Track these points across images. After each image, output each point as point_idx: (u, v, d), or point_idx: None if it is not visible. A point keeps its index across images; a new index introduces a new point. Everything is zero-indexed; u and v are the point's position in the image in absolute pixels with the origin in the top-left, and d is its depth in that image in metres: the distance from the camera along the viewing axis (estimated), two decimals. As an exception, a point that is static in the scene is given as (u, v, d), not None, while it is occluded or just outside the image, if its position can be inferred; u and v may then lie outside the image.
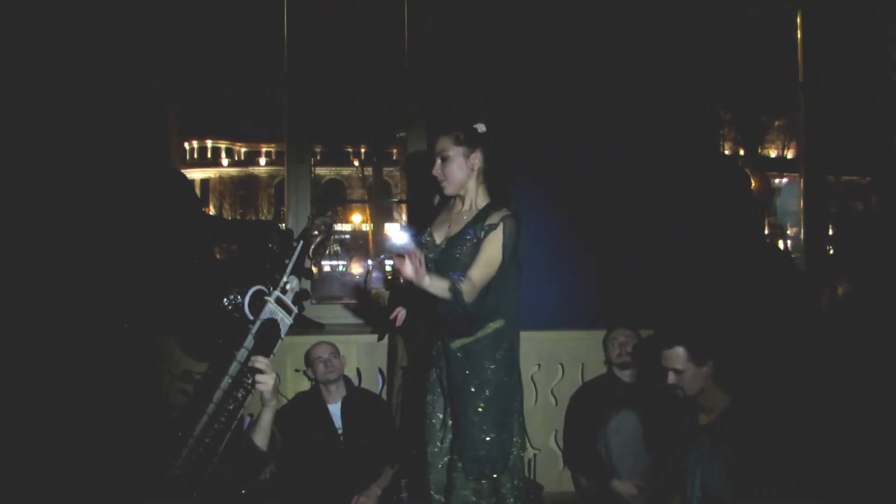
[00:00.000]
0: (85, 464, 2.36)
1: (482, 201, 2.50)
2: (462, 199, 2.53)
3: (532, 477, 3.41)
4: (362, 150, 31.45)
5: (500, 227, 2.38)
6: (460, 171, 2.47)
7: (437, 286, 2.27)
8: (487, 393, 2.40)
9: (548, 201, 3.56)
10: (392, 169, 28.85)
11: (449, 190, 2.51)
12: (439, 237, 2.51)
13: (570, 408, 3.41)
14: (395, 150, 28.02)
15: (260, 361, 1.91)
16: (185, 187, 3.61)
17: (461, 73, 3.69)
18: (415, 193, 3.92)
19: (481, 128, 2.51)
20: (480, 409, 2.39)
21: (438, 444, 2.52)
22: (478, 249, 2.39)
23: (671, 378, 2.58)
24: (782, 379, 2.82)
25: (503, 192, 2.52)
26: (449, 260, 2.44)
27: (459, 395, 2.42)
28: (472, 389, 2.40)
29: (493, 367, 2.41)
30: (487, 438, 2.39)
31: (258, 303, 1.92)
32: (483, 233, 2.40)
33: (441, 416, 2.53)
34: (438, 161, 2.48)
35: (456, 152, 2.46)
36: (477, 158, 2.48)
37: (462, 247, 2.43)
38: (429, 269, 2.35)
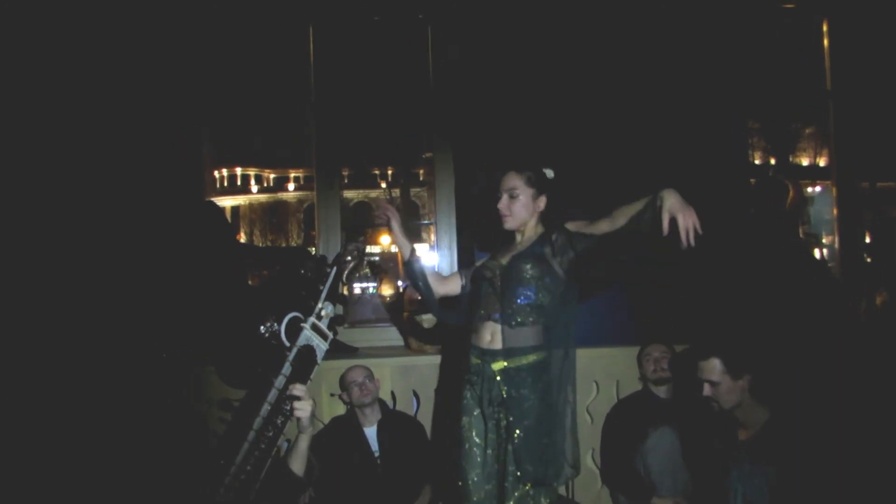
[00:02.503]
0: (128, 493, 2.40)
1: (539, 231, 2.57)
2: (521, 233, 2.59)
3: (570, 496, 3.39)
4: (389, 172, 31.73)
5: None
6: (525, 211, 2.54)
7: (402, 243, 2.55)
8: (526, 423, 2.39)
9: (579, 215, 3.56)
10: (419, 190, 29.02)
11: (510, 225, 2.57)
12: (505, 259, 2.54)
13: (606, 426, 3.38)
14: (421, 171, 28.22)
15: (298, 389, 1.94)
16: (218, 218, 3.68)
17: (485, 95, 3.73)
18: (442, 213, 3.95)
19: (550, 174, 2.58)
20: (517, 439, 2.37)
21: (479, 471, 2.49)
22: (545, 267, 2.44)
23: (706, 390, 2.55)
24: (822, 392, 2.77)
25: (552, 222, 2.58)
26: (517, 272, 2.44)
27: (499, 421, 2.43)
28: (511, 418, 2.39)
29: (533, 397, 2.40)
30: (527, 469, 2.37)
31: (294, 329, 1.95)
32: (551, 247, 2.44)
33: (479, 440, 2.51)
34: (506, 196, 2.54)
35: (525, 192, 2.53)
36: (542, 202, 2.57)
37: (530, 261, 2.44)
38: (490, 286, 2.50)
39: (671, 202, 2.18)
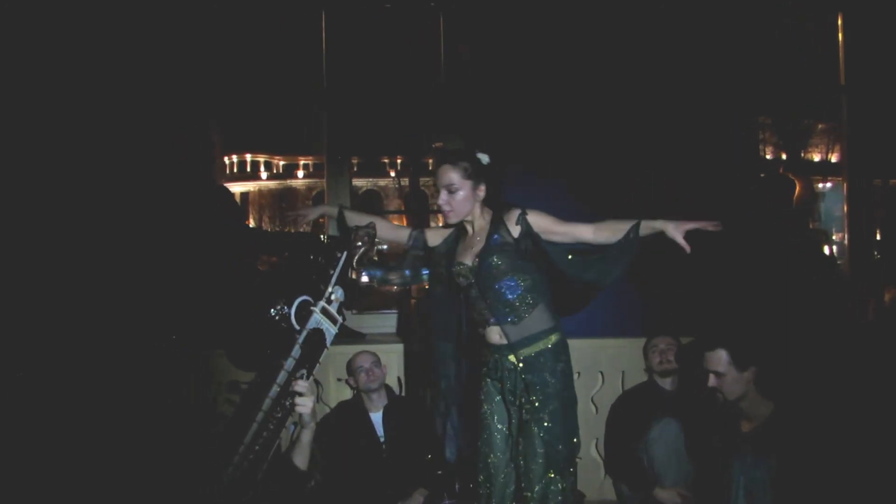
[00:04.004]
0: (135, 473, 2.43)
1: (487, 216, 2.56)
2: (470, 223, 2.59)
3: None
4: (398, 161, 31.65)
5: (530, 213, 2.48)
6: (467, 203, 2.53)
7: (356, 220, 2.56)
8: (552, 406, 2.41)
9: (585, 209, 3.56)
10: (428, 179, 28.89)
11: (453, 219, 2.56)
12: (469, 259, 2.53)
13: (610, 416, 3.40)
14: (430, 161, 28.14)
15: (300, 385, 1.95)
16: (229, 201, 3.70)
17: (496, 85, 3.73)
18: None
19: (485, 159, 2.55)
20: (545, 423, 2.40)
21: (500, 454, 2.53)
22: (511, 251, 2.46)
23: (711, 381, 2.56)
24: (827, 387, 2.77)
25: (498, 202, 2.59)
26: (488, 270, 2.46)
27: (523, 408, 2.44)
28: (537, 404, 2.41)
29: (554, 381, 2.43)
30: (557, 450, 2.40)
31: (304, 313, 1.96)
32: (512, 233, 2.47)
33: (502, 426, 2.54)
34: (444, 192, 2.51)
35: (464, 185, 2.50)
36: (482, 190, 2.54)
37: (496, 254, 2.45)
38: (469, 292, 2.52)
39: (670, 227, 2.34)
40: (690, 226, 2.33)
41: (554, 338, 2.46)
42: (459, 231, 2.65)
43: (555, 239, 2.48)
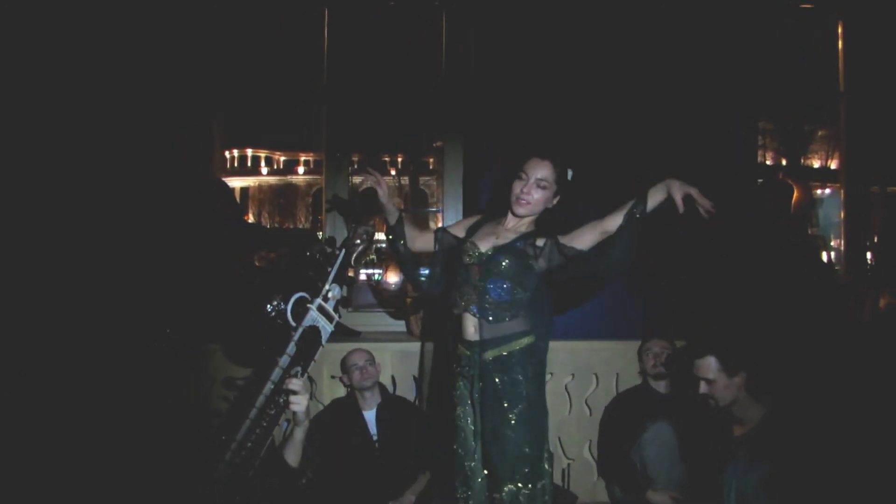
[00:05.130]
0: (128, 468, 2.43)
1: (532, 224, 2.58)
2: (518, 220, 2.60)
3: (566, 487, 3.42)
4: (399, 160, 31.66)
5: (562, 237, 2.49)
6: (543, 204, 2.55)
7: (390, 209, 2.62)
8: (520, 407, 2.42)
9: (582, 210, 3.58)
10: (428, 178, 28.96)
11: (523, 212, 2.55)
12: (484, 246, 2.54)
13: (604, 418, 3.41)
14: (431, 160, 28.16)
15: (294, 383, 1.95)
16: (226, 196, 3.70)
17: (498, 84, 3.73)
18: (450, 203, 3.96)
19: (570, 175, 2.60)
20: (513, 422, 2.41)
21: (476, 457, 2.55)
22: (524, 263, 2.48)
23: (702, 388, 2.58)
24: (820, 391, 2.78)
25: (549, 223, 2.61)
26: (493, 265, 2.48)
27: (492, 408, 2.45)
28: (506, 404, 2.42)
29: (524, 381, 2.44)
30: (524, 452, 2.41)
31: (300, 310, 1.96)
32: (534, 249, 2.49)
33: (474, 428, 2.55)
34: (533, 182, 2.51)
35: (551, 187, 2.53)
36: (557, 199, 2.58)
37: (509, 256, 2.47)
38: (466, 273, 2.51)
39: (675, 185, 2.35)
40: (693, 191, 2.34)
41: (526, 340, 2.47)
42: (489, 217, 2.68)
43: (588, 242, 2.47)
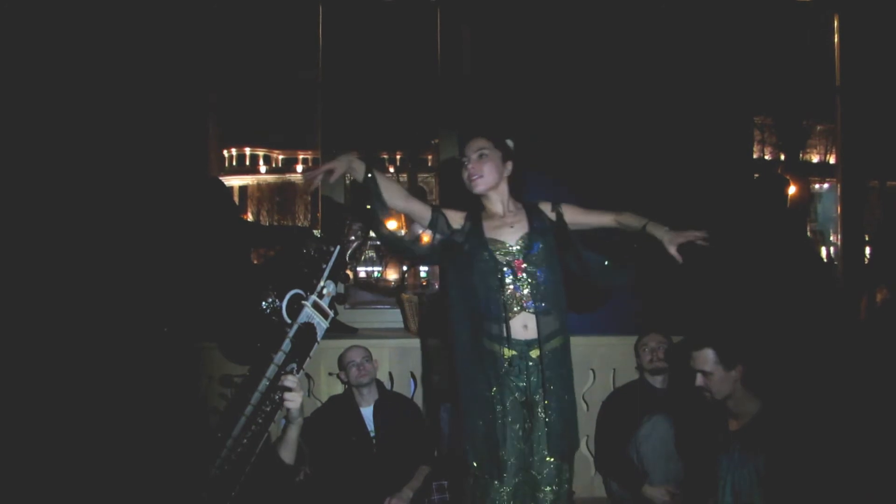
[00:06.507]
0: (124, 465, 2.43)
1: (519, 203, 2.57)
2: (500, 202, 2.55)
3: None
4: (397, 157, 31.66)
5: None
6: (496, 172, 2.51)
7: (354, 167, 2.45)
8: (565, 400, 2.45)
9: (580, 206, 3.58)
10: (427, 175, 28.97)
11: (480, 187, 2.50)
12: (510, 239, 2.48)
13: (601, 413, 3.41)
14: (429, 157, 28.17)
15: (289, 380, 1.94)
16: (222, 194, 3.70)
17: (494, 81, 3.73)
18: (449, 199, 3.96)
19: (511, 143, 2.59)
20: (555, 416, 2.42)
21: (511, 449, 2.43)
22: (551, 244, 2.48)
23: (699, 380, 2.58)
24: (816, 386, 2.79)
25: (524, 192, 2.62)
26: (537, 253, 2.46)
27: (559, 401, 2.44)
28: (551, 399, 2.43)
29: (565, 374, 2.47)
30: (561, 438, 2.43)
31: (295, 307, 1.96)
32: (550, 218, 2.53)
33: (517, 426, 2.44)
34: (475, 157, 2.50)
35: (494, 153, 2.52)
36: (510, 167, 2.56)
37: (541, 239, 2.47)
38: (501, 276, 2.44)
39: (669, 237, 2.38)
40: (683, 240, 2.36)
41: (562, 338, 2.47)
42: (478, 212, 2.58)
43: (580, 227, 2.53)
